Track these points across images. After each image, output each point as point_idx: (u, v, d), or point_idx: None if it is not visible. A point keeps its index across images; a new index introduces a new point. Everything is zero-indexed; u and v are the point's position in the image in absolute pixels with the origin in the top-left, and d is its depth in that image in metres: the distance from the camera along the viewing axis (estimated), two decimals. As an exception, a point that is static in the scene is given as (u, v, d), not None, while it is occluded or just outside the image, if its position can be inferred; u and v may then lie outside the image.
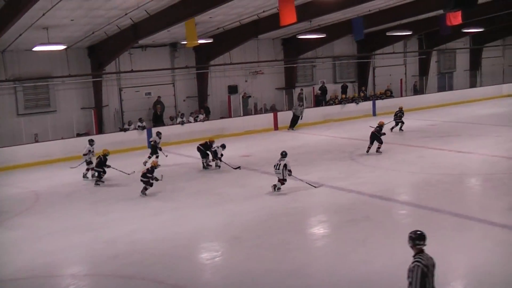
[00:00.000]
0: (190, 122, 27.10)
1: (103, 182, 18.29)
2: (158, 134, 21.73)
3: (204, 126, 26.99)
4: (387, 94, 35.00)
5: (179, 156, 22.75)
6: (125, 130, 25.26)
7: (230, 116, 29.22)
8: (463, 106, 35.34)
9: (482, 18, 31.64)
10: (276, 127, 29.27)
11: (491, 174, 16.69)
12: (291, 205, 14.51)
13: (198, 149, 20.22)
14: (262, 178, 17.81)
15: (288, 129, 28.94)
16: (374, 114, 33.05)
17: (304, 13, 21.61)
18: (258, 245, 11.68)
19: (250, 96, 30.59)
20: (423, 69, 38.91)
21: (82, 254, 11.78)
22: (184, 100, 29.21)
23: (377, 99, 34.01)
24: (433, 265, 7.08)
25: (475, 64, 42.20)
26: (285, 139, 25.59)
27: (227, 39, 27.18)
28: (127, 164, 21.38)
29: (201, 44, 25.43)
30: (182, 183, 17.90)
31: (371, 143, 20.81)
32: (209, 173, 19.12)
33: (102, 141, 23.49)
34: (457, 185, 15.96)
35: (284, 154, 16.17)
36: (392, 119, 25.80)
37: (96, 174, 18.42)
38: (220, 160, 19.65)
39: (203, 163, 19.97)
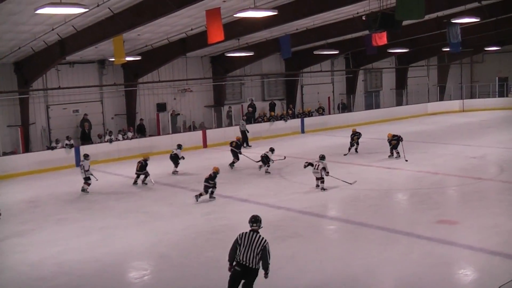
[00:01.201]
0: (119, 140, 26.89)
1: (149, 183, 19.92)
2: (179, 146, 22.75)
3: (132, 144, 26.84)
4: (320, 111, 35.74)
5: (108, 174, 22.55)
6: (53, 148, 24.82)
7: (158, 134, 29.15)
8: (390, 123, 36.40)
9: (407, 39, 32.86)
10: (205, 145, 29.38)
11: (417, 189, 17.30)
12: (219, 222, 14.64)
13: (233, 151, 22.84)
14: (191, 196, 17.86)
15: (245, 146, 28.57)
16: (303, 131, 33.67)
17: (232, 31, 21.95)
18: (187, 263, 11.77)
19: (178, 114, 30.61)
20: (351, 88, 39.89)
21: (6, 278, 11.53)
22: (112, 118, 28.98)
23: (305, 117, 34.65)
24: None
25: (401, 83, 43.57)
26: (215, 156, 25.73)
27: (155, 57, 27.21)
28: (54, 184, 21.12)
29: (129, 61, 25.30)
30: (110, 202, 17.77)
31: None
32: (138, 192, 19.06)
33: (29, 160, 23.12)
34: (384, 200, 16.47)
35: (322, 157, 17.98)
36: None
37: (143, 177, 19.97)
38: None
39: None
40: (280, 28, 24.94)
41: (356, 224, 13.97)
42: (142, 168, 20.01)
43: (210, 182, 17.02)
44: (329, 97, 38.36)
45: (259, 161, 21.23)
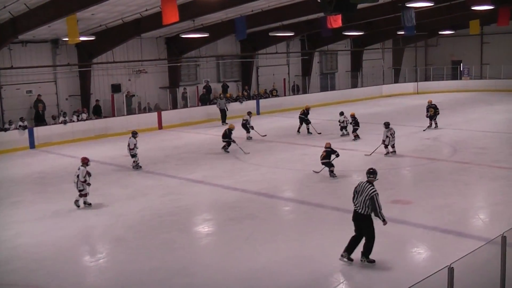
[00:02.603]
0: (73, 121, 26.49)
1: (228, 152, 21.14)
2: (249, 113, 24.65)
3: (87, 126, 26.49)
4: (274, 93, 35.81)
5: (62, 156, 22.23)
6: (6, 130, 24.24)
7: (113, 115, 28.82)
8: (345, 105, 36.64)
9: (362, 22, 33.08)
10: (160, 126, 29.18)
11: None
12: (175, 204, 14.59)
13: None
14: (146, 178, 17.80)
15: (223, 123, 29.11)
16: (258, 113, 33.70)
17: (186, 12, 21.73)
18: (143, 245, 11.72)
19: (134, 95, 30.28)
20: (306, 70, 40.02)
21: (-42, 261, 11.33)
22: (66, 99, 28.47)
23: (260, 98, 34.68)
24: None
25: (356, 65, 43.88)
26: (169, 138, 25.59)
27: (110, 37, 26.79)
28: (8, 166, 20.73)
29: (83, 41, 24.86)
30: (64, 184, 17.47)
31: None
32: (93, 174, 18.76)
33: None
34: (339, 180, 16.62)
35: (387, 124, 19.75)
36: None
37: (225, 144, 21.31)
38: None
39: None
40: (235, 9, 24.84)
41: (312, 205, 14.11)
42: (225, 135, 21.47)
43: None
44: (284, 79, 38.47)
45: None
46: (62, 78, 28.21)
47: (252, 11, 26.64)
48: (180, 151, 22.38)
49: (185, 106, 31.70)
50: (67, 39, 23.19)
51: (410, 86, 43.91)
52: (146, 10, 23.25)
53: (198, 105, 32.34)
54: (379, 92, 42.26)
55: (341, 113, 24.29)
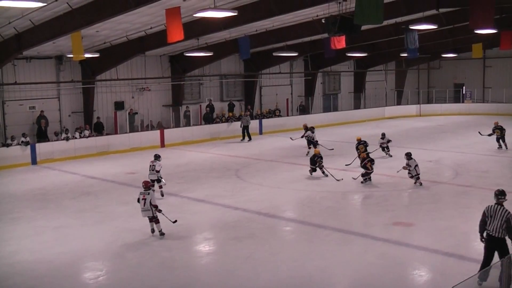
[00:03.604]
0: (75, 137, 26.52)
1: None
2: (312, 129, 25.03)
3: (89, 143, 26.51)
4: (276, 113, 35.88)
5: (63, 173, 22.23)
6: (8, 145, 24.27)
7: (116, 133, 28.86)
8: (347, 126, 36.78)
9: (366, 44, 33.21)
10: (162, 144, 29.19)
11: (374, 191, 17.45)
12: (176, 223, 14.54)
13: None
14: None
15: (249, 140, 29.96)
16: (261, 132, 33.72)
17: (191, 30, 21.85)
18: (143, 263, 11.68)
19: (136, 113, 30.35)
20: (309, 90, 40.09)
21: (-43, 277, 11.29)
22: (69, 115, 28.54)
23: (263, 118, 34.72)
24: None
25: (359, 87, 43.96)
26: (172, 156, 25.59)
27: (114, 54, 26.89)
28: (9, 181, 20.72)
29: (87, 58, 24.97)
30: (65, 201, 17.50)
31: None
32: (93, 191, 18.80)
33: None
34: (340, 201, 16.61)
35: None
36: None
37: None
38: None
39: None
40: (239, 29, 24.94)
41: (312, 226, 14.06)
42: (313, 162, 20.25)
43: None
44: (287, 99, 38.55)
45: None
46: (66, 95, 28.28)
47: (256, 31, 26.78)
48: (182, 169, 22.37)
49: (188, 124, 31.72)
50: (71, 55, 23.31)
51: (412, 108, 43.95)
52: (151, 28, 23.36)
53: (200, 124, 32.36)
54: (381, 114, 42.29)
55: (383, 135, 24.68)
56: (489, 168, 21.20)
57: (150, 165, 17.51)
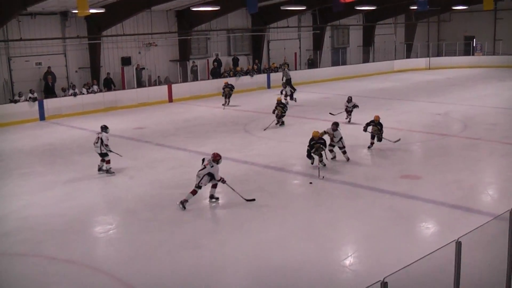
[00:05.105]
0: (83, 93, 26.51)
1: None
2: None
3: (97, 98, 26.51)
4: (284, 67, 35.64)
5: (72, 128, 22.31)
6: (16, 101, 24.32)
7: (123, 88, 28.82)
8: (356, 80, 36.58)
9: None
10: (170, 100, 29.16)
11: (382, 144, 17.35)
12: (184, 177, 14.59)
13: None
14: (156, 151, 17.85)
15: (294, 91, 29.15)
16: (269, 86, 33.64)
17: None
18: (152, 217, 11.78)
19: (144, 68, 30.24)
20: (317, 44, 39.68)
21: (-31, 231, 11.43)
22: (76, 71, 28.46)
23: (271, 72, 34.55)
24: None
25: (368, 40, 43.47)
26: (180, 111, 25.57)
27: (120, 10, 26.64)
28: (18, 137, 20.82)
29: (92, 13, 24.64)
30: (74, 156, 17.60)
31: None
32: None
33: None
34: (349, 155, 16.59)
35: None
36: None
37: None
38: None
39: None
40: (246, -18, 24.63)
41: (320, 179, 14.08)
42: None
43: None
44: (295, 53, 38.26)
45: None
46: (72, 51, 28.14)
47: (264, -16, 26.45)
48: (190, 124, 22.39)
49: (195, 79, 31.61)
50: (76, 11, 23.10)
51: (422, 62, 43.54)
52: (157, -18, 23.10)
53: (208, 79, 32.25)
54: (390, 67, 41.96)
55: (349, 99, 21.97)
56: (497, 120, 21.11)
57: (96, 138, 15.20)
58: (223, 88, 26.71)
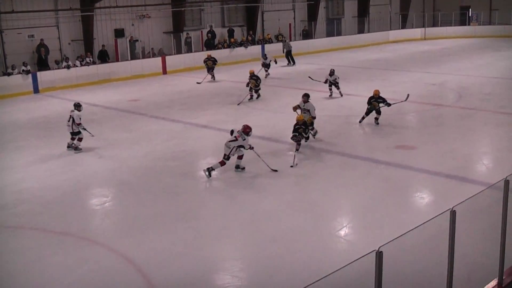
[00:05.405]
0: (76, 66, 26.35)
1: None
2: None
3: (91, 71, 26.37)
4: (279, 38, 35.46)
5: (66, 101, 22.17)
6: (9, 74, 24.18)
7: (117, 60, 28.66)
8: (351, 51, 36.45)
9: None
10: (164, 72, 29.04)
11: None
12: (179, 148, 14.63)
13: None
14: (150, 122, 17.82)
15: (294, 64, 29.71)
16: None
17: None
18: (147, 189, 11.80)
19: (137, 40, 30.04)
20: (312, 15, 39.44)
21: (-35, 204, 11.44)
22: (69, 44, 28.26)
23: (265, 43, 34.37)
24: None
25: (363, 11, 43.14)
26: (174, 83, 25.48)
27: (112, -20, 26.42)
28: (12, 110, 20.74)
29: (85, -15, 24.56)
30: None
31: None
32: (97, 119, 18.81)
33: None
34: (343, 126, 16.60)
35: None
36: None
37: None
38: None
39: None
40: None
41: (316, 150, 14.11)
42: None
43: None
44: (290, 24, 38.04)
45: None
46: (64, 23, 27.90)
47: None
48: (184, 95, 22.33)
49: (189, 51, 31.44)
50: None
51: (417, 32, 43.34)
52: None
53: (202, 50, 32.06)
54: (385, 38, 41.78)
55: (332, 72, 20.67)
56: (492, 90, 21.10)
57: (69, 117, 14.68)
58: (205, 61, 26.02)
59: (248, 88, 20.59)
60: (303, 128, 13.83)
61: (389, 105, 15.91)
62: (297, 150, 13.67)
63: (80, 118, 14.54)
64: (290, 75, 26.69)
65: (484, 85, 22.14)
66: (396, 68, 27.18)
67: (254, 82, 20.46)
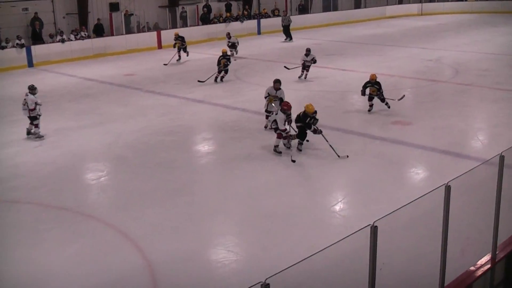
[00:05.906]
0: (71, 40, 26.18)
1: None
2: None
3: (86, 45, 26.21)
4: (275, 13, 35.25)
5: (61, 75, 22.11)
6: (3, 47, 24.00)
7: (112, 34, 28.48)
8: (348, 26, 36.27)
9: None
10: (160, 46, 28.87)
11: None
12: (175, 123, 14.61)
13: None
14: (146, 97, 17.77)
15: (291, 40, 29.52)
16: (259, 32, 33.33)
17: None
18: (143, 164, 11.79)
19: (132, 14, 29.81)
20: (308, -11, 39.24)
21: (-39, 178, 11.43)
22: (63, 17, 28.04)
23: (262, 18, 34.19)
24: None
25: (359, -15, 42.98)
26: (169, 58, 25.32)
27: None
28: (6, 84, 20.63)
29: (79, -43, 24.30)
30: (64, 103, 17.49)
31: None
32: (92, 93, 18.75)
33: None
34: (339, 101, 16.59)
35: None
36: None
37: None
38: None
39: None
40: None
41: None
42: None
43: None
44: (286, -1, 37.85)
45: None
46: (59, -4, 27.71)
47: None
48: (180, 70, 22.25)
49: (184, 25, 31.23)
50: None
51: (414, 7, 43.15)
52: None
53: (198, 25, 31.87)
54: (382, 13, 41.55)
55: (308, 51, 19.54)
56: (489, 66, 21.06)
57: (23, 100, 13.64)
58: (174, 40, 24.51)
59: (219, 66, 19.60)
60: (314, 120, 12.12)
61: (383, 99, 15.45)
62: (299, 148, 12.34)
63: (35, 103, 13.49)
64: (287, 50, 26.57)
65: (481, 61, 22.10)
66: (393, 44, 27.08)
67: (225, 62, 19.53)
